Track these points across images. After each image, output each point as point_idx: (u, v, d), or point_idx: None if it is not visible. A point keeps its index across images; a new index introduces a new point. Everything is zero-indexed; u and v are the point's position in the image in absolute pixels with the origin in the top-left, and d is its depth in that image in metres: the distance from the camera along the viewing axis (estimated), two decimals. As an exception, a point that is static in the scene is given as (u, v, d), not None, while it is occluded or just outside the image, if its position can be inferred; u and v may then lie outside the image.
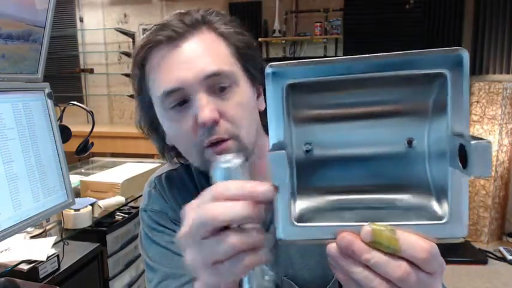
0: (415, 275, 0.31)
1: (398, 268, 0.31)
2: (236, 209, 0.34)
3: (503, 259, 2.79)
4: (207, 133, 0.56)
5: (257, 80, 0.64)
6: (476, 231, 3.09)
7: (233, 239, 0.34)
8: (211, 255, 0.35)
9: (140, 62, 0.61)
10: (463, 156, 0.29)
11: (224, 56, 0.60)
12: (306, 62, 0.33)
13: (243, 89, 0.61)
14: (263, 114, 0.65)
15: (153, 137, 0.69)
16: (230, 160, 0.38)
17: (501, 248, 2.90)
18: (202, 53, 0.58)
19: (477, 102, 3.04)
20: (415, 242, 0.31)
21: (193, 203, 0.37)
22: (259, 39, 3.57)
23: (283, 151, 0.31)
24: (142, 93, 0.63)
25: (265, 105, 0.44)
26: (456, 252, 2.81)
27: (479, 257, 2.79)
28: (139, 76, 0.62)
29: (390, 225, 0.31)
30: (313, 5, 3.60)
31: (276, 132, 0.34)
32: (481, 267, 2.70)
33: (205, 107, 0.55)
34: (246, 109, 0.60)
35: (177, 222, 0.69)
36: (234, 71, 0.60)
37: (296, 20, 3.68)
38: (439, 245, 0.32)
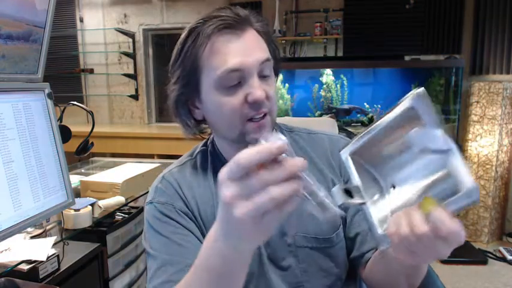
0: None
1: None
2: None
3: (503, 259, 2.79)
4: (255, 108, 0.69)
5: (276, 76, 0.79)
6: (476, 231, 3.09)
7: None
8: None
9: (200, 45, 0.69)
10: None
11: (267, 50, 0.73)
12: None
13: (274, 79, 0.76)
14: None
15: (182, 112, 0.77)
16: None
17: (501, 248, 2.90)
18: (257, 44, 0.71)
19: (477, 102, 3.04)
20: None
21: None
22: (259, 39, 3.57)
23: None
24: (190, 72, 0.72)
25: None
26: (456, 252, 2.79)
27: (479, 257, 2.79)
28: (195, 57, 0.70)
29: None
30: (313, 5, 3.60)
31: None
32: (481, 267, 2.70)
33: (259, 88, 0.69)
34: (276, 94, 0.75)
35: (183, 213, 0.75)
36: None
37: (296, 20, 3.68)
38: None
